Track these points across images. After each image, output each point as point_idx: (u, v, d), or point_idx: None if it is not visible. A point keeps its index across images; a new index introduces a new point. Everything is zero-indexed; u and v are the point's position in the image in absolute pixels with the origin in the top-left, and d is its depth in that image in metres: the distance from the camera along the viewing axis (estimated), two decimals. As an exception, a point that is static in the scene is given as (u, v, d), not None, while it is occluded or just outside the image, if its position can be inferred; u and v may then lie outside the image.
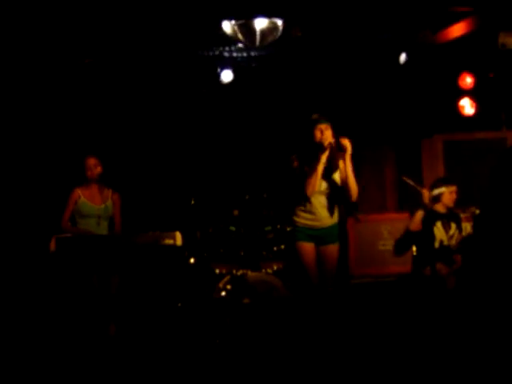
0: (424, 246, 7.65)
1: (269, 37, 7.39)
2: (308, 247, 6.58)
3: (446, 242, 7.70)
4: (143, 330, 7.45)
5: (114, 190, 7.26)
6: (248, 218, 8.29)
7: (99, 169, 7.10)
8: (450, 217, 7.79)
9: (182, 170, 9.64)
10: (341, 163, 6.56)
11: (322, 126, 6.53)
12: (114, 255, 6.77)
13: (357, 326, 7.41)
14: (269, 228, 8.24)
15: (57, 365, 6.40)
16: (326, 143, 6.48)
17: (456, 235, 7.76)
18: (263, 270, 7.87)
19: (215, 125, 9.76)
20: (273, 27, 7.36)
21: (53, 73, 8.72)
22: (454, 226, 7.78)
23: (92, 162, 7.10)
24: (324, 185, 6.57)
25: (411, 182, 7.68)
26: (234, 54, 8.84)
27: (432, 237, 7.62)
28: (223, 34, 7.46)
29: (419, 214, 7.62)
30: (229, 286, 7.69)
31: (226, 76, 9.05)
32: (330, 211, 6.62)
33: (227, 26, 7.33)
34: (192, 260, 8.17)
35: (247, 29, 7.31)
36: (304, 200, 6.57)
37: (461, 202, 7.96)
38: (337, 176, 6.60)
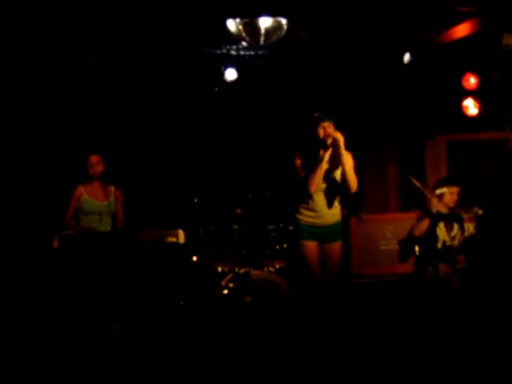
0: (426, 246, 7.66)
1: (273, 36, 7.40)
2: (311, 245, 6.59)
3: (448, 243, 7.70)
4: (146, 328, 7.45)
5: (116, 187, 7.28)
6: (251, 217, 8.30)
7: (101, 167, 7.12)
8: (452, 217, 7.79)
9: (185, 168, 9.65)
10: (344, 157, 6.58)
11: (325, 124, 6.56)
12: (117, 252, 6.78)
13: (359, 325, 7.42)
14: (271, 226, 8.24)
15: (59, 361, 6.41)
16: (328, 141, 6.50)
17: (458, 236, 7.77)
18: (266, 269, 7.88)
19: (219, 123, 9.77)
20: (277, 26, 7.37)
21: (57, 70, 8.72)
22: (456, 226, 7.79)
23: (94, 159, 7.12)
24: (327, 182, 6.59)
25: (419, 185, 7.64)
26: (240, 53, 8.85)
27: (435, 238, 7.62)
28: (228, 32, 7.47)
29: (425, 223, 7.60)
30: (231, 284, 7.69)
31: (230, 74, 9.06)
32: (333, 209, 6.64)
33: (232, 25, 7.34)
34: (194, 258, 8.18)
35: (252, 27, 7.32)
36: (307, 197, 6.59)
37: (463, 202, 7.96)
38: (339, 174, 6.62)
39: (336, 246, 6.67)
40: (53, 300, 7.52)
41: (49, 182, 8.89)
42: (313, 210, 6.62)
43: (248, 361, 6.50)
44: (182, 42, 8.44)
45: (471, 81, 9.14)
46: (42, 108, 9.02)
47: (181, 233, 6.91)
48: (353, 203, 8.56)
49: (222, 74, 9.06)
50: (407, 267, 7.94)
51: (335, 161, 6.59)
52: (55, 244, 6.73)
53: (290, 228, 8.06)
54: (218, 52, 8.81)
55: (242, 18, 7.26)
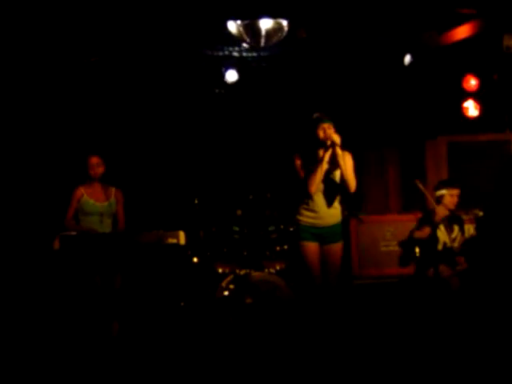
0: (427, 248, 7.66)
1: (274, 37, 7.40)
2: (312, 247, 6.60)
3: (448, 245, 7.71)
4: (146, 329, 7.46)
5: (117, 188, 7.28)
6: (251, 218, 8.30)
7: (102, 168, 7.11)
8: (452, 219, 7.80)
9: (186, 169, 9.65)
10: (341, 158, 6.59)
11: (325, 126, 6.58)
12: (118, 254, 6.78)
13: (359, 326, 7.42)
14: (272, 228, 8.25)
15: (60, 362, 6.42)
16: (328, 142, 6.52)
17: (459, 237, 7.77)
18: (266, 270, 7.88)
19: (219, 124, 9.77)
20: (278, 27, 7.37)
21: (58, 71, 8.73)
22: (456, 228, 7.79)
23: (95, 161, 7.11)
24: (326, 183, 6.60)
25: (424, 190, 7.63)
26: (243, 54, 8.85)
27: (435, 240, 7.62)
28: (229, 33, 7.47)
29: (426, 230, 7.62)
30: (232, 286, 7.70)
31: (231, 76, 9.07)
32: (333, 209, 6.65)
33: (233, 26, 7.34)
34: (195, 259, 8.19)
35: (252, 29, 7.32)
36: (307, 198, 6.60)
37: (464, 203, 7.96)
38: (339, 174, 6.63)
39: (337, 247, 6.67)
40: (53, 301, 7.53)
41: (49, 183, 8.89)
42: (313, 211, 6.63)
43: (249, 362, 6.50)
44: (182, 44, 8.44)
45: (472, 82, 9.15)
46: (43, 109, 9.02)
47: (181, 234, 6.91)
48: (353, 204, 8.57)
49: (223, 76, 9.06)
50: (408, 268, 7.94)
51: (335, 161, 6.60)
52: (56, 245, 6.73)
53: (291, 229, 8.07)
54: (221, 54, 8.81)
55: (242, 19, 7.26)
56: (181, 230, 6.97)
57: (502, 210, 6.24)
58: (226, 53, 8.79)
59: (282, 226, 8.25)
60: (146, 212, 8.80)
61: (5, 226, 8.58)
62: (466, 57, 8.85)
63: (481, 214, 7.82)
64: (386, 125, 9.78)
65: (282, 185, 8.30)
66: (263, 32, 7.32)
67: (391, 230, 8.83)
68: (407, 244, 7.76)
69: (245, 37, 7.40)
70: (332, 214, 6.65)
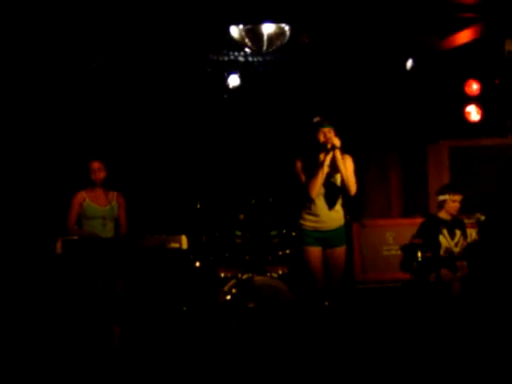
0: (430, 252, 7.66)
1: (276, 42, 7.42)
2: (315, 251, 6.61)
3: (451, 249, 7.71)
4: (148, 333, 7.46)
5: (119, 192, 7.28)
6: (254, 223, 8.29)
7: (103, 173, 7.10)
8: (454, 224, 7.80)
9: (188, 173, 9.66)
10: (340, 162, 6.60)
11: (325, 130, 6.61)
12: (120, 258, 6.77)
13: (361, 331, 7.42)
14: (274, 232, 8.24)
15: (61, 366, 6.42)
16: (329, 146, 6.54)
17: (461, 242, 7.78)
18: (268, 274, 7.87)
19: (221, 129, 9.78)
20: (280, 32, 7.38)
21: (60, 76, 8.74)
22: (458, 233, 7.80)
23: (96, 165, 7.10)
24: (328, 187, 6.61)
25: None
26: (248, 59, 8.87)
27: (437, 245, 7.63)
28: (231, 38, 7.49)
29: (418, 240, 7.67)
30: (234, 290, 7.69)
31: (234, 80, 9.09)
32: (335, 213, 6.66)
33: (235, 31, 7.35)
34: (197, 264, 8.17)
35: (254, 34, 7.33)
36: (309, 202, 6.62)
37: (466, 208, 7.97)
38: (339, 178, 6.64)
39: (340, 251, 6.68)
40: (55, 305, 7.53)
41: (52, 187, 8.90)
42: (315, 215, 6.65)
43: (251, 366, 6.50)
44: (185, 49, 8.46)
45: (473, 87, 9.16)
46: (46, 114, 9.04)
47: (184, 238, 6.91)
48: (355, 209, 8.57)
49: (225, 81, 9.09)
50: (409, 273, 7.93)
51: (335, 165, 6.62)
52: (58, 249, 6.73)
53: (293, 234, 8.07)
54: (226, 59, 8.83)
55: (245, 24, 7.27)
56: (183, 234, 6.96)
57: (503, 214, 6.23)
58: (232, 58, 8.81)
59: (284, 231, 8.24)
60: (148, 216, 8.80)
61: (7, 229, 8.59)
62: (468, 61, 8.86)
63: (483, 218, 7.82)
64: (387, 129, 9.79)
65: (284, 189, 8.30)
66: (265, 37, 7.33)
67: (393, 235, 8.83)
68: (409, 249, 7.76)
69: (247, 42, 7.41)
70: (334, 217, 6.66)
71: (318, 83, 9.39)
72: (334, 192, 6.65)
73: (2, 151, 8.83)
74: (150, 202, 9.26)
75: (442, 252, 7.64)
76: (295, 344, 7.02)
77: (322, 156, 6.59)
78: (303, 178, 6.64)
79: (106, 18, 7.52)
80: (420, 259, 7.64)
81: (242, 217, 8.32)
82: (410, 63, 8.78)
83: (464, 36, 8.25)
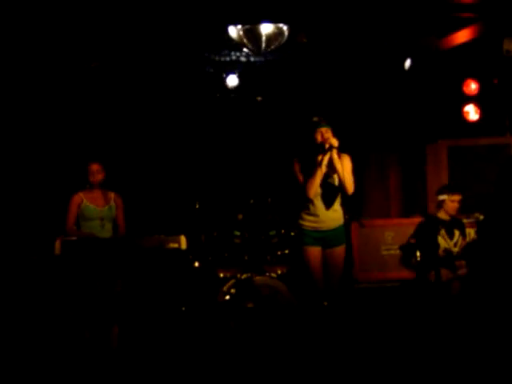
0: (427, 252, 7.66)
1: (274, 42, 7.42)
2: (314, 251, 6.62)
3: (449, 249, 7.71)
4: (147, 333, 7.46)
5: (116, 193, 7.27)
6: (252, 223, 8.30)
7: (102, 175, 7.09)
8: (453, 224, 7.80)
9: (187, 174, 9.66)
10: (337, 162, 6.61)
11: (323, 130, 6.61)
12: (119, 258, 6.78)
13: (360, 330, 7.42)
14: (273, 232, 8.24)
15: (60, 366, 6.43)
16: (326, 146, 6.54)
17: (460, 242, 7.78)
18: (267, 274, 7.87)
19: (220, 129, 9.79)
20: (278, 32, 7.38)
21: (58, 77, 8.74)
22: (457, 233, 7.79)
23: (95, 167, 7.10)
24: (326, 186, 6.62)
25: None
26: (250, 59, 8.87)
27: (436, 245, 7.63)
28: (229, 38, 7.49)
29: (413, 240, 7.68)
30: (233, 290, 7.69)
31: (232, 80, 9.10)
32: (334, 212, 6.67)
33: (233, 31, 7.35)
34: (196, 264, 8.18)
35: (253, 34, 7.33)
36: (307, 202, 6.62)
37: (465, 207, 7.97)
38: (337, 177, 6.65)
39: (339, 251, 6.69)
40: (54, 305, 7.53)
41: (50, 188, 8.90)
42: (314, 215, 6.66)
43: (250, 366, 6.51)
44: (184, 49, 8.46)
45: (472, 86, 9.15)
46: (44, 115, 9.04)
47: (183, 239, 6.92)
48: (354, 209, 8.57)
49: (224, 81, 9.09)
50: (409, 272, 7.94)
51: (333, 165, 6.62)
52: (57, 249, 6.73)
53: (292, 234, 8.08)
54: (228, 59, 8.84)
55: (243, 24, 7.27)
56: (182, 234, 6.97)
57: (501, 214, 6.23)
58: (234, 58, 8.82)
59: (283, 231, 8.25)
60: (147, 217, 8.81)
61: (6, 230, 8.59)
62: (467, 61, 8.86)
63: (482, 217, 7.82)
64: (386, 129, 9.79)
65: (282, 189, 8.31)
66: (264, 37, 7.33)
67: (392, 235, 8.84)
68: (407, 248, 7.76)
69: (245, 42, 7.41)
70: (333, 217, 6.67)
71: (316, 83, 9.39)
72: (332, 192, 6.66)
73: (2, 152, 8.84)
74: (148, 203, 9.27)
75: (440, 252, 7.64)
76: (294, 344, 7.02)
77: (319, 156, 6.60)
78: (301, 178, 6.65)
79: (105, 18, 7.51)
80: (419, 258, 7.65)
81: (240, 217, 8.32)
82: (408, 63, 8.79)
83: (462, 35, 8.25)
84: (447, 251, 7.68)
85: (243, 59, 8.86)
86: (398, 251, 8.12)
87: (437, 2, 7.55)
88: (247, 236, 8.25)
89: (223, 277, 8.00)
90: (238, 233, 8.26)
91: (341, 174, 6.60)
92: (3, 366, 6.43)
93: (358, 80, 9.33)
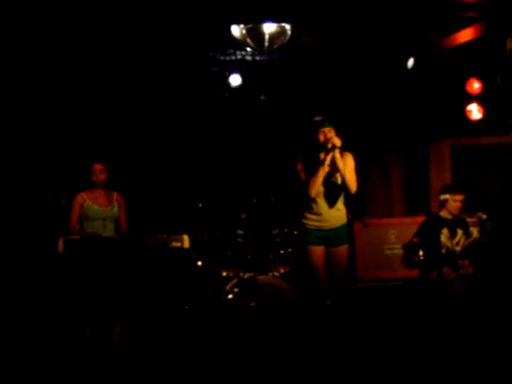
0: (430, 251, 7.66)
1: (277, 41, 7.42)
2: (318, 250, 6.62)
3: (452, 248, 7.71)
4: (150, 332, 7.46)
5: (118, 192, 7.27)
6: (255, 222, 8.30)
7: (104, 175, 7.08)
8: (456, 223, 7.80)
9: (190, 173, 9.67)
10: (340, 162, 6.61)
11: (326, 130, 6.62)
12: (122, 257, 6.79)
13: (363, 329, 7.42)
14: (276, 231, 8.24)
15: (62, 365, 6.44)
16: (329, 145, 6.54)
17: (462, 241, 7.77)
18: (270, 273, 7.87)
19: (223, 128, 9.79)
20: (281, 31, 7.38)
21: (60, 76, 8.75)
22: (460, 232, 7.79)
23: (98, 167, 7.09)
24: (328, 185, 6.62)
25: None
26: (256, 58, 8.87)
27: (438, 244, 7.62)
28: (232, 37, 7.49)
29: (415, 240, 7.69)
30: (236, 289, 7.69)
31: (235, 80, 9.10)
32: (337, 211, 6.67)
33: (236, 31, 7.36)
34: (199, 263, 8.18)
35: (256, 33, 7.34)
36: (310, 201, 6.63)
37: (468, 206, 7.97)
38: (340, 176, 6.65)
39: (343, 250, 6.70)
40: (57, 304, 7.53)
41: (54, 188, 8.91)
42: (317, 214, 6.66)
43: (253, 365, 6.51)
44: (187, 49, 8.46)
45: (475, 85, 9.14)
46: (47, 115, 9.05)
47: (185, 238, 6.93)
48: (357, 208, 8.57)
49: (227, 80, 9.10)
50: (411, 271, 7.94)
51: (336, 164, 6.62)
52: (60, 248, 6.74)
53: (295, 233, 8.08)
54: (233, 58, 8.84)
55: (246, 23, 7.28)
56: (185, 233, 6.98)
57: (508, 214, 6.24)
58: (239, 57, 8.82)
59: (286, 230, 8.25)
60: (150, 216, 8.81)
61: (9, 229, 8.60)
62: (470, 60, 8.85)
63: (484, 216, 7.82)
64: (389, 128, 9.79)
65: (285, 188, 8.30)
66: (266, 36, 7.34)
67: (395, 233, 8.84)
68: (410, 247, 7.76)
69: (248, 41, 7.41)
70: (336, 216, 6.67)
71: (319, 83, 9.39)
72: (335, 191, 6.67)
73: (5, 152, 8.85)
74: (151, 202, 9.28)
75: (443, 250, 7.64)
76: (297, 343, 7.02)
77: (322, 155, 6.60)
78: (303, 177, 6.65)
79: (108, 19, 7.52)
80: (422, 257, 7.65)
81: (243, 216, 8.32)
82: (411, 62, 8.78)
83: (465, 35, 8.25)
84: (449, 250, 7.68)
85: (249, 58, 8.86)
86: (401, 250, 8.11)
87: (440, 1, 7.55)
88: (250, 235, 8.25)
89: (226, 276, 7.99)
90: (240, 232, 8.26)
91: (343, 174, 6.60)
92: (5, 365, 6.44)
93: (361, 79, 9.33)
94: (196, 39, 8.21)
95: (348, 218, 6.87)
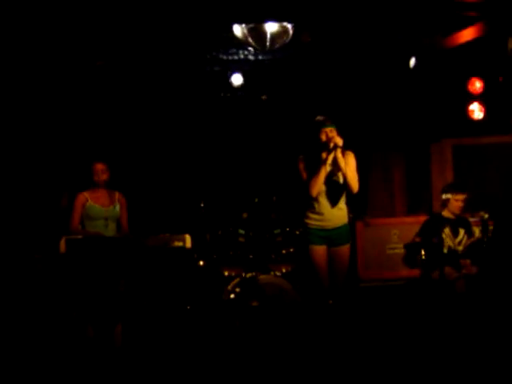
0: (432, 250, 7.66)
1: (278, 41, 7.42)
2: (320, 250, 6.62)
3: (454, 248, 7.72)
4: (151, 332, 7.47)
5: (120, 192, 7.28)
6: (257, 221, 8.31)
7: (106, 175, 7.09)
8: (458, 222, 7.80)
9: (192, 172, 9.67)
10: (341, 161, 6.61)
11: (327, 130, 6.61)
12: (124, 257, 6.79)
13: (365, 329, 7.42)
14: (278, 231, 8.25)
15: (64, 364, 6.44)
16: (331, 144, 6.54)
17: (465, 240, 7.78)
18: (272, 273, 7.88)
19: (225, 128, 9.80)
20: (283, 31, 7.39)
21: (62, 76, 8.75)
22: (462, 231, 7.80)
23: (100, 167, 7.10)
24: (330, 185, 6.62)
25: None
26: (258, 58, 8.88)
27: (441, 243, 7.63)
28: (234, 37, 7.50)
29: (417, 239, 7.70)
30: (238, 289, 7.70)
31: (236, 79, 9.11)
32: (339, 211, 6.67)
33: (238, 30, 7.36)
34: (201, 262, 8.19)
35: (257, 33, 7.34)
36: (312, 201, 6.63)
37: (469, 206, 7.97)
38: (342, 176, 6.65)
39: (345, 249, 6.69)
40: (59, 304, 7.54)
41: (56, 187, 8.92)
42: (319, 213, 6.66)
43: (255, 365, 6.51)
44: (188, 48, 8.47)
45: (476, 85, 9.14)
46: (49, 115, 9.06)
47: (187, 237, 6.92)
48: (359, 207, 8.57)
49: (228, 79, 9.11)
50: (413, 271, 7.94)
51: (338, 164, 6.62)
52: (62, 248, 6.74)
53: (297, 232, 8.08)
54: (236, 58, 8.85)
55: (248, 23, 7.28)
56: (187, 233, 6.98)
57: (510, 213, 6.23)
58: (242, 56, 8.83)
59: (287, 229, 8.26)
60: (152, 215, 8.82)
61: (11, 228, 8.60)
62: (471, 59, 8.85)
63: (486, 216, 7.82)
64: (391, 128, 9.79)
65: (287, 188, 8.31)
66: (268, 36, 7.34)
67: (397, 233, 8.84)
68: (412, 247, 7.76)
69: (250, 40, 7.42)
70: (338, 215, 6.67)
71: (320, 82, 9.39)
72: (337, 190, 6.66)
73: (7, 151, 8.85)
74: (153, 201, 9.28)
75: (445, 250, 7.64)
76: (299, 342, 7.02)
77: (324, 155, 6.60)
78: (305, 176, 6.65)
79: (111, 19, 7.52)
80: (423, 257, 7.65)
81: (245, 215, 8.33)
82: (413, 61, 8.79)
83: (467, 34, 8.25)
84: (451, 249, 7.69)
85: (251, 58, 8.86)
86: (402, 250, 8.12)
87: (442, 1, 7.55)
88: (252, 235, 8.26)
89: (228, 275, 8.01)
90: (242, 231, 8.27)
91: (345, 173, 6.60)
92: (7, 364, 6.44)
93: (363, 79, 9.33)
94: (198, 39, 8.22)
95: (349, 218, 6.86)
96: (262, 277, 7.71)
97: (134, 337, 7.16)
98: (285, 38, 7.45)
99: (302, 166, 6.68)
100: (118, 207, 7.17)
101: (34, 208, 8.92)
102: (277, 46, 7.47)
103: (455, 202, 7.76)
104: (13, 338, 7.14)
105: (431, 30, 8.34)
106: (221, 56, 8.82)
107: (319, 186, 6.57)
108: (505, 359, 5.89)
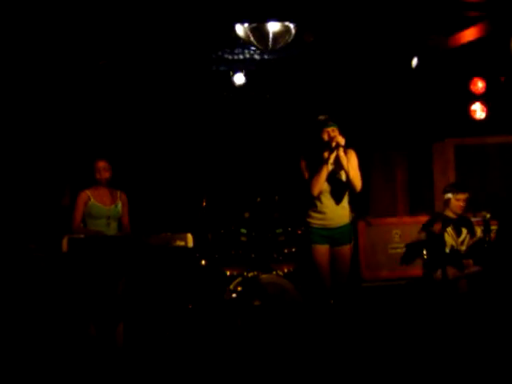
0: (434, 250, 7.66)
1: (281, 40, 7.43)
2: (322, 250, 6.62)
3: (456, 247, 7.71)
4: (153, 331, 7.47)
5: (121, 191, 7.28)
6: (259, 221, 8.31)
7: (108, 173, 7.07)
8: (460, 222, 7.80)
9: (194, 172, 9.68)
10: (344, 159, 6.61)
11: (329, 129, 6.61)
12: (126, 256, 6.79)
13: (367, 329, 7.42)
14: (280, 230, 8.25)
15: (65, 364, 6.45)
16: (333, 144, 6.55)
17: (467, 240, 7.78)
18: (274, 272, 7.89)
19: (227, 127, 9.80)
20: (285, 31, 7.39)
21: (65, 75, 8.76)
22: (464, 231, 7.80)
23: (101, 165, 7.08)
24: (333, 184, 6.62)
25: None
26: (264, 57, 8.88)
27: (443, 243, 7.62)
28: (235, 36, 7.51)
29: (438, 226, 7.69)
30: (240, 288, 7.71)
31: (239, 79, 9.12)
32: (342, 210, 6.67)
33: (240, 30, 7.37)
34: (203, 262, 8.19)
35: (260, 32, 7.34)
36: (314, 200, 6.63)
37: (472, 206, 7.97)
38: (344, 175, 6.65)
39: (347, 249, 6.69)
40: (61, 302, 7.55)
41: (58, 186, 8.93)
42: (321, 213, 6.66)
43: (256, 364, 6.51)
44: (191, 47, 8.47)
45: (479, 85, 9.15)
46: (52, 113, 9.06)
47: (189, 237, 6.92)
48: (361, 207, 8.57)
49: (231, 79, 9.12)
50: (416, 271, 7.94)
51: (340, 163, 6.62)
52: (64, 247, 6.74)
53: (299, 232, 8.08)
54: (241, 57, 8.85)
55: (250, 22, 7.28)
56: (189, 232, 6.98)
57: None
58: (247, 56, 8.83)
59: (289, 229, 8.26)
60: (154, 215, 8.83)
61: (13, 227, 8.61)
62: (473, 59, 8.85)
63: (488, 216, 7.83)
64: (393, 128, 9.80)
65: (289, 187, 8.31)
66: (271, 35, 7.34)
67: (399, 233, 8.84)
68: (414, 246, 7.76)
69: (252, 40, 7.42)
70: (341, 214, 6.67)
71: (323, 82, 9.40)
72: (339, 189, 6.66)
73: (9, 150, 8.86)
74: (155, 201, 9.29)
75: (447, 250, 7.64)
76: (301, 342, 7.02)
77: (326, 154, 6.60)
78: (307, 175, 6.65)
79: (114, 18, 7.52)
80: (425, 257, 7.65)
81: (247, 215, 8.34)
82: (415, 61, 8.78)
83: (469, 34, 8.25)
84: (454, 249, 7.69)
85: (257, 57, 8.86)
86: (404, 249, 8.12)
87: (444, 1, 7.55)
88: (254, 234, 8.26)
89: (230, 275, 8.01)
90: (244, 231, 8.27)
91: (348, 171, 6.60)
92: (9, 363, 6.45)
93: (365, 78, 9.34)
94: (202, 38, 8.22)
95: (352, 217, 6.86)
96: (264, 276, 7.71)
97: (136, 336, 7.17)
98: (287, 38, 7.45)
99: (303, 165, 6.69)
100: (119, 206, 7.17)
101: (36, 206, 8.93)
102: (279, 45, 7.47)
103: (456, 201, 7.77)
104: (15, 336, 7.14)
105: (434, 30, 8.34)
106: (226, 56, 8.82)
107: (321, 185, 6.58)
108: (507, 359, 5.89)
